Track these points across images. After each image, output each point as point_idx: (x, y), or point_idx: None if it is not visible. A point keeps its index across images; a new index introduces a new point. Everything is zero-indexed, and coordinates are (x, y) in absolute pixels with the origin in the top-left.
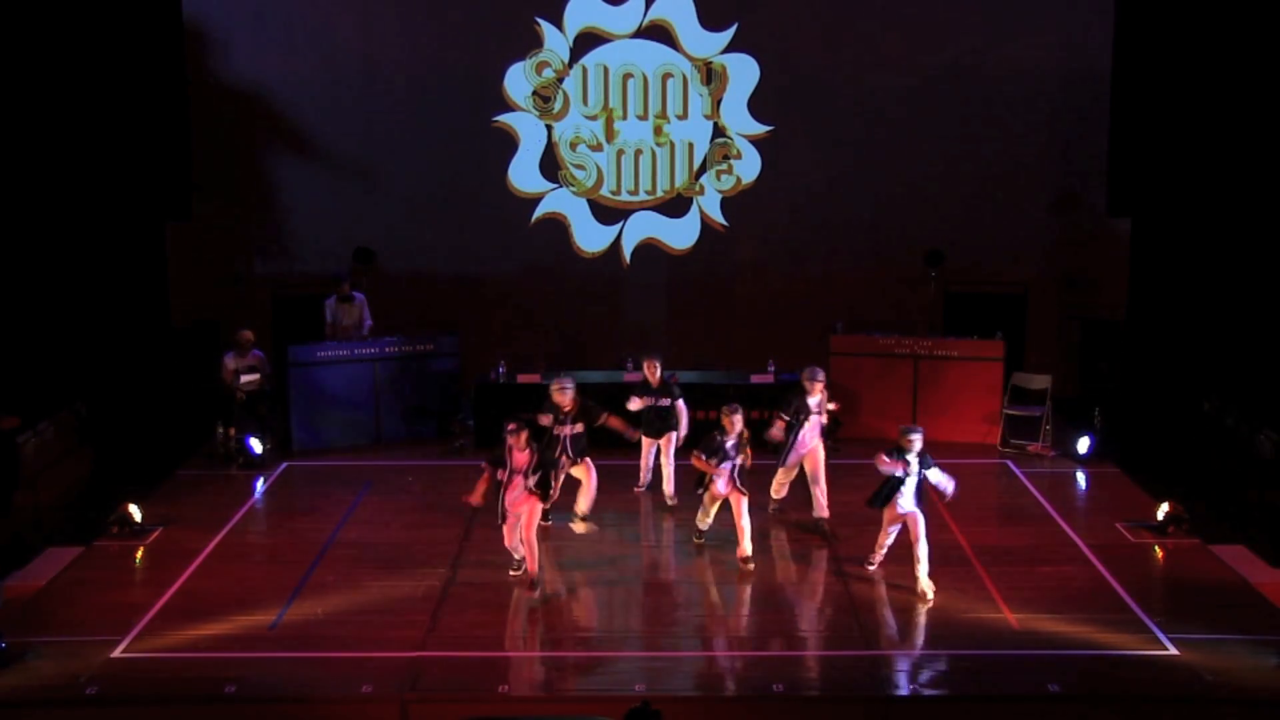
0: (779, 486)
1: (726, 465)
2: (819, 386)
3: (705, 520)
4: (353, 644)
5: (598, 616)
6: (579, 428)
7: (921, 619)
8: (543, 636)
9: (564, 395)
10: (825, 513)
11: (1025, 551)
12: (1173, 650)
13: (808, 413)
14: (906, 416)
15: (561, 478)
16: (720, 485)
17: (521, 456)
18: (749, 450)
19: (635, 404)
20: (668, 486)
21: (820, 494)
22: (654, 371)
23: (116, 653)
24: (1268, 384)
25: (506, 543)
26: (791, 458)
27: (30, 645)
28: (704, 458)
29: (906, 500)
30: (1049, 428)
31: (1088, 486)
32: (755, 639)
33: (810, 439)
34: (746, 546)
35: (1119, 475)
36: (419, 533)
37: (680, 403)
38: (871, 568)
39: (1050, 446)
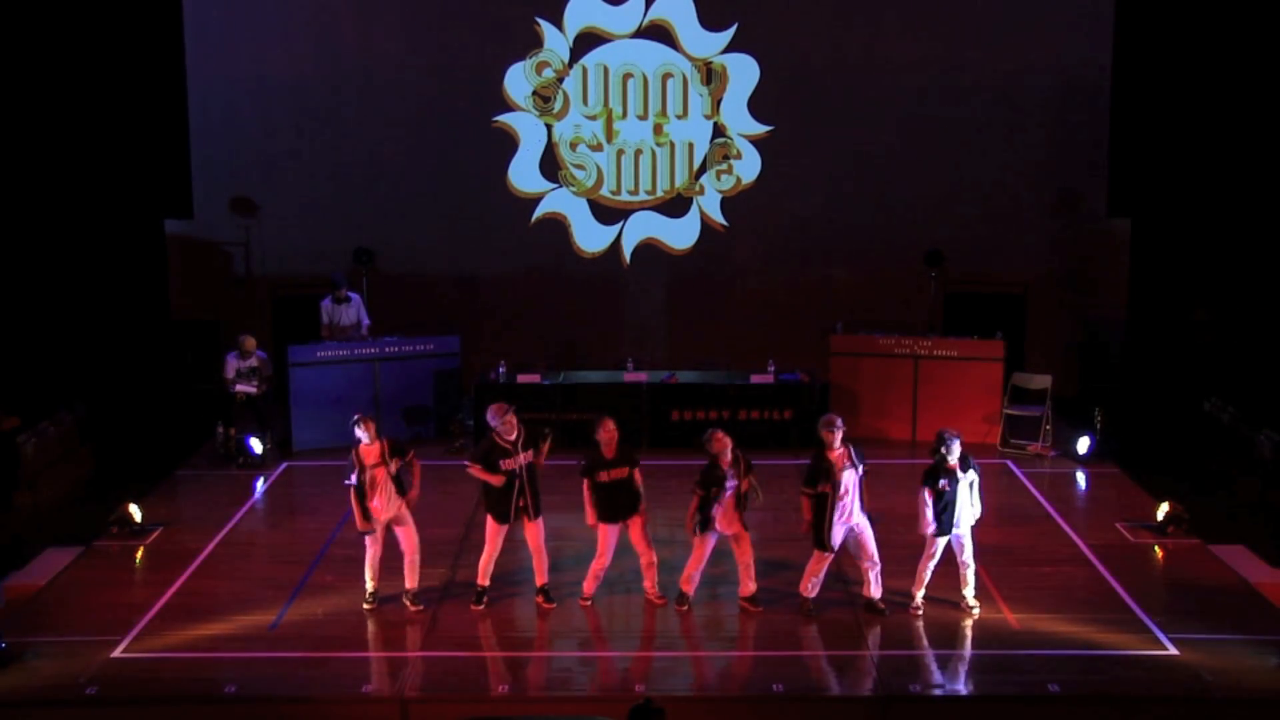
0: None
1: (729, 489)
2: (837, 438)
3: (694, 578)
4: (353, 644)
5: (598, 616)
6: (529, 455)
7: (921, 619)
8: (543, 636)
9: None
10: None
11: (1025, 551)
12: (1173, 650)
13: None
14: (907, 416)
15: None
16: (719, 522)
17: (371, 450)
18: (752, 477)
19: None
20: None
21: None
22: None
23: (116, 653)
24: (1268, 384)
25: (371, 564)
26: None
27: (30, 645)
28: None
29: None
30: (1049, 428)
31: (1088, 486)
32: (755, 639)
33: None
34: (751, 585)
35: (1119, 475)
36: (419, 532)
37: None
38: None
39: (1050, 446)
